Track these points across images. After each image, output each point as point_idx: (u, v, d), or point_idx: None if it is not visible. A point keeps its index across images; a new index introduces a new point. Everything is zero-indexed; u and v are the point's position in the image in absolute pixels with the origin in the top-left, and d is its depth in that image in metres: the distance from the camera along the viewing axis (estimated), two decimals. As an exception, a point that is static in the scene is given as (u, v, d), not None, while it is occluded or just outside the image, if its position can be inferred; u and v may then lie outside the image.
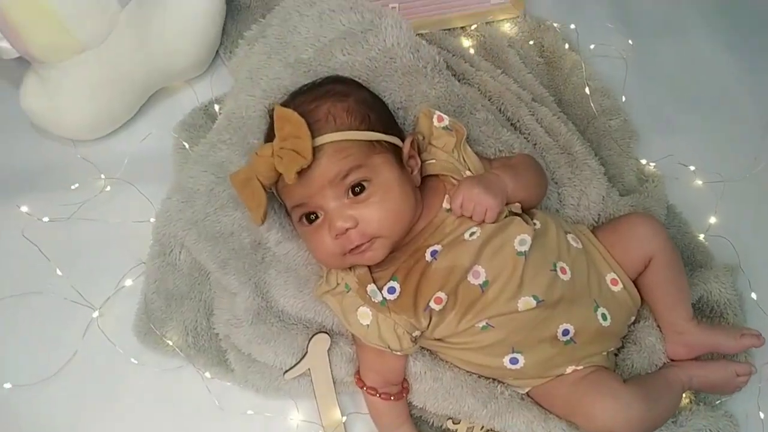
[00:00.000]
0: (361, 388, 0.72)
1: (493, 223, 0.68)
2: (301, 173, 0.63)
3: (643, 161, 0.89)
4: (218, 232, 0.73)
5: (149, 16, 0.78)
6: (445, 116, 0.75)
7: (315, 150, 0.63)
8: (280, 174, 0.64)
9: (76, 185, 0.80)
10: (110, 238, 0.82)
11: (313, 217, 0.67)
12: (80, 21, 0.73)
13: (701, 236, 0.85)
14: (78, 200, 0.82)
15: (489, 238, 0.67)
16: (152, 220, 0.78)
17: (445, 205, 0.70)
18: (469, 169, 0.73)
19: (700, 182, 0.90)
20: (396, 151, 0.70)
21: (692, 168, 0.90)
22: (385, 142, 0.68)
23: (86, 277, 0.80)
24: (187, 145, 0.81)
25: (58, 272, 0.79)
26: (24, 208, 0.83)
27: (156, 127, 0.85)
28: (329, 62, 0.77)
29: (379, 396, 0.71)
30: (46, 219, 0.82)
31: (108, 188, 0.82)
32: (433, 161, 0.73)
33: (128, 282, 0.80)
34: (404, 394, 0.72)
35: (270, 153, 0.64)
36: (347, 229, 0.65)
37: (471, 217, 0.68)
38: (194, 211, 0.73)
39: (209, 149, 0.75)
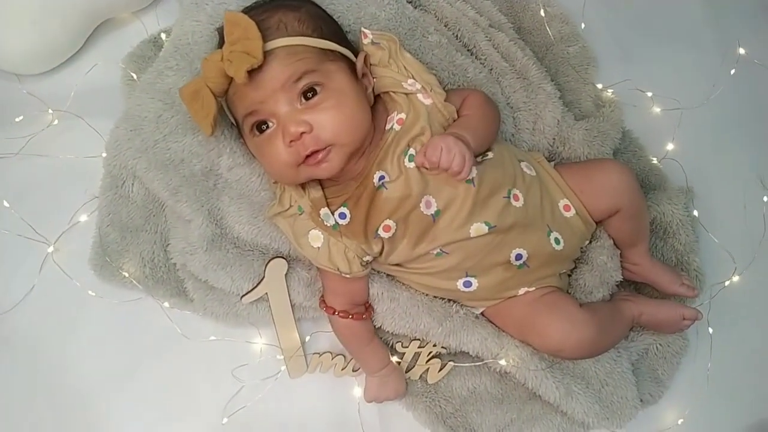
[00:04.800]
0: (332, 314, 0.72)
1: None
2: (252, 77, 0.62)
3: (600, 86, 0.89)
4: (168, 160, 0.72)
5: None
6: (368, 32, 0.72)
7: (266, 54, 0.62)
8: (231, 81, 0.63)
9: (21, 117, 0.78)
10: (61, 173, 0.80)
11: (264, 126, 0.65)
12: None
13: (654, 160, 0.86)
14: (25, 135, 0.80)
15: None
16: (104, 155, 0.77)
17: (387, 126, 0.69)
18: (412, 77, 0.70)
19: (658, 110, 0.90)
20: (350, 64, 0.68)
21: (650, 94, 0.90)
22: (339, 53, 0.67)
23: (39, 213, 0.79)
24: (135, 76, 0.79)
25: (5, 203, 0.78)
26: (-30, 145, 0.81)
27: (103, 60, 0.83)
28: (275, -16, 0.75)
29: (352, 317, 0.72)
30: (-6, 155, 0.81)
31: (56, 122, 0.80)
32: (374, 79, 0.71)
33: (83, 218, 0.79)
34: (371, 313, 0.74)
35: (219, 58, 0.62)
36: (301, 134, 0.62)
37: (446, 170, 0.62)
38: (143, 139, 0.72)
39: (156, 76, 0.74)
